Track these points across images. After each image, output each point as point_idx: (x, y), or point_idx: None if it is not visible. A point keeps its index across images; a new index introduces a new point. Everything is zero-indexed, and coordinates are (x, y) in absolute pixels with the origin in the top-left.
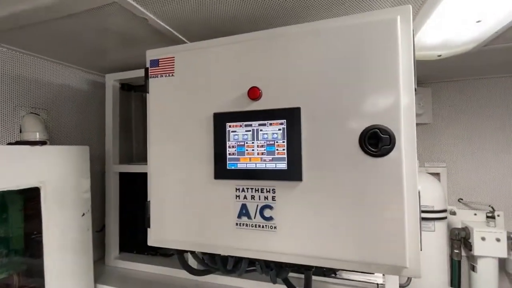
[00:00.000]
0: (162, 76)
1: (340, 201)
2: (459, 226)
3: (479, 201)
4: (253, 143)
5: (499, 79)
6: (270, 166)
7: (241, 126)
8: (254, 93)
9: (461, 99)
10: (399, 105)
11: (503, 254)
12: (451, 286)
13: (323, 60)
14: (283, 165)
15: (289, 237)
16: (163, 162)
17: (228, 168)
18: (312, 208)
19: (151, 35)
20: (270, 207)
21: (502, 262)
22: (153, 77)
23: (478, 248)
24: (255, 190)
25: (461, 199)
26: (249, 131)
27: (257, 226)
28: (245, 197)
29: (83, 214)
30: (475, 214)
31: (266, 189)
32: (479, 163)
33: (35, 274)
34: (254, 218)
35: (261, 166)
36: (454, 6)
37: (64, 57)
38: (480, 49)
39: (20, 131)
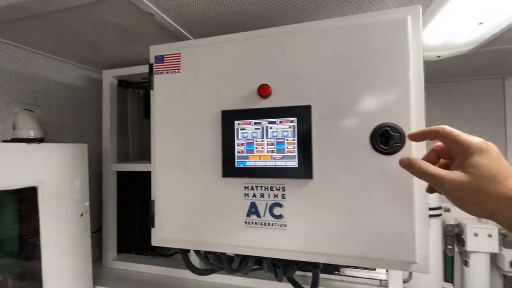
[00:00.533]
0: (167, 72)
1: (350, 198)
2: (452, 223)
3: None
4: (262, 141)
5: (491, 80)
6: (280, 164)
7: (250, 123)
8: (264, 91)
9: (455, 99)
10: (409, 104)
11: (495, 249)
12: (445, 281)
13: (334, 58)
14: (293, 163)
15: (299, 235)
16: (169, 160)
17: (236, 166)
18: (322, 206)
19: (153, 31)
20: (280, 205)
21: (493, 257)
22: (158, 73)
23: (471, 243)
24: (265, 188)
25: None
26: (259, 128)
27: (267, 224)
28: (254, 195)
29: (82, 215)
30: None
31: (276, 187)
32: None
33: (30, 277)
34: (264, 216)
35: (271, 164)
36: (458, 8)
37: (60, 52)
38: (476, 50)
39: (14, 128)
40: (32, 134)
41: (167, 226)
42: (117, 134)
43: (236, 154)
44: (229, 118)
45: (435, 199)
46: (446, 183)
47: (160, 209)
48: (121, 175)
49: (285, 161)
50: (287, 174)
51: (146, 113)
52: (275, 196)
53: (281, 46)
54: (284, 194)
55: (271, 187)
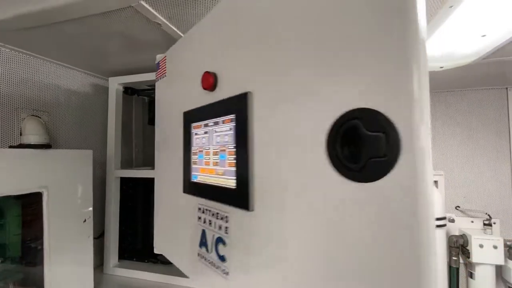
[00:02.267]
0: (162, 78)
1: (310, 246)
2: (457, 234)
3: (475, 209)
4: (209, 148)
5: (495, 90)
6: (222, 182)
7: (201, 126)
8: (207, 81)
9: (456, 109)
10: (415, 80)
11: (500, 261)
12: None
13: (285, 17)
14: (232, 183)
15: None
16: (161, 168)
17: (191, 180)
18: (267, 253)
19: (160, 40)
20: (224, 243)
21: (498, 269)
22: (157, 80)
23: (476, 255)
24: (212, 214)
25: (458, 206)
26: (207, 132)
27: (212, 265)
28: (204, 221)
29: (85, 221)
30: (472, 222)
31: (220, 214)
32: (475, 172)
33: (32, 283)
34: (211, 251)
35: (214, 181)
36: (462, 21)
37: (68, 59)
38: (479, 61)
39: (21, 134)
40: (38, 139)
41: (164, 235)
42: (122, 141)
43: (192, 166)
44: (187, 121)
45: (440, 209)
46: None
47: (158, 217)
48: (124, 181)
49: (226, 178)
50: (226, 199)
51: (150, 119)
52: (219, 227)
53: (223, 24)
54: (228, 228)
55: (216, 213)
